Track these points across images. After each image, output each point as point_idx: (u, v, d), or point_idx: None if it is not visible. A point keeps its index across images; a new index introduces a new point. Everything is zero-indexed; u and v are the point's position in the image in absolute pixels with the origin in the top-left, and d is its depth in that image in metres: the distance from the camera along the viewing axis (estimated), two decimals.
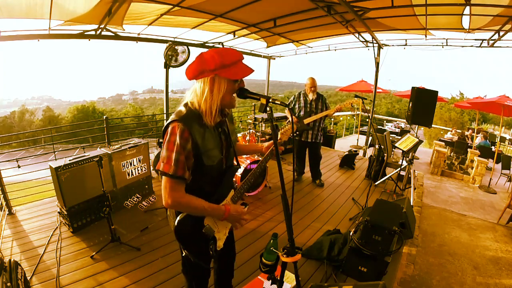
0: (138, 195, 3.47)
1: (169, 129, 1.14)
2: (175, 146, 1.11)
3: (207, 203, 1.20)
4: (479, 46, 4.81)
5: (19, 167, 3.30)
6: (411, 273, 2.55)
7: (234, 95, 1.20)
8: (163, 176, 1.14)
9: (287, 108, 1.21)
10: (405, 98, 15.66)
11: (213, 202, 1.24)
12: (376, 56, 5.68)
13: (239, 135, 4.25)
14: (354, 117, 11.94)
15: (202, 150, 1.18)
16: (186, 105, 1.20)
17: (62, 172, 2.65)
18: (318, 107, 3.94)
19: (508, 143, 9.80)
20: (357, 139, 8.66)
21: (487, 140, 8.36)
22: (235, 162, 1.44)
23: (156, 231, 2.87)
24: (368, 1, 3.42)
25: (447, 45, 5.10)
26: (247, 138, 4.06)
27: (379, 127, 10.69)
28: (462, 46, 5.02)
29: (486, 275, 2.86)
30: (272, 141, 1.44)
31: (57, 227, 2.85)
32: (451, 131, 9.66)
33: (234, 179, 1.38)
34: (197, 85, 1.17)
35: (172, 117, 1.17)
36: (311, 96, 3.94)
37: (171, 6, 3.37)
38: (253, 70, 1.17)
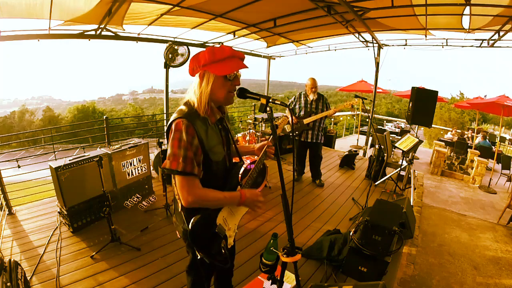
0: (138, 195, 3.47)
1: (173, 126, 1.15)
2: (182, 142, 1.12)
3: (224, 193, 1.22)
4: (479, 46, 4.81)
5: (19, 167, 3.30)
6: (411, 273, 2.55)
7: (231, 92, 1.21)
8: (176, 176, 1.15)
9: (287, 108, 1.21)
10: (405, 98, 15.66)
11: None
12: (376, 56, 5.68)
13: (239, 135, 4.24)
14: (354, 117, 11.94)
15: (207, 147, 1.20)
16: (186, 103, 1.22)
17: (62, 172, 2.65)
18: (318, 107, 3.94)
19: (508, 143, 9.80)
20: (357, 139, 8.66)
21: (487, 140, 8.37)
22: (237, 159, 1.44)
23: (156, 231, 2.87)
24: (368, 1, 3.42)
25: (447, 45, 5.10)
26: (247, 138, 4.06)
27: (379, 127, 10.69)
28: (462, 46, 5.02)
29: (486, 275, 2.86)
30: (263, 143, 1.46)
31: (57, 227, 2.85)
32: (451, 131, 9.66)
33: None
34: (193, 81, 1.24)
35: (174, 115, 1.19)
36: (311, 97, 3.94)
37: (171, 6, 3.36)
38: (244, 66, 1.18)
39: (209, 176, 1.25)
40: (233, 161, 1.42)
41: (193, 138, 1.14)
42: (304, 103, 3.97)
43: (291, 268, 1.20)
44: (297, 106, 4.02)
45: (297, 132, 4.01)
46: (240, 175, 1.37)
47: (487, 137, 8.71)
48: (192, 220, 1.20)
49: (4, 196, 3.04)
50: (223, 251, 1.28)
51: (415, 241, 3.07)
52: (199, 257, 1.23)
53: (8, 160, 3.59)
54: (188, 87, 1.26)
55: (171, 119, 1.18)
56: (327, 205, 3.69)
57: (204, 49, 1.18)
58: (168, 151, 1.15)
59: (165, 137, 1.22)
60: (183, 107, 1.21)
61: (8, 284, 1.67)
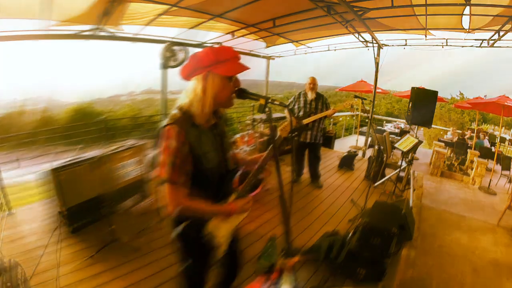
0: (136, 196, 3.46)
1: (164, 132, 1.12)
2: (170, 149, 1.09)
3: (211, 206, 1.20)
4: (479, 46, 4.81)
5: (19, 167, 3.30)
6: (410, 275, 2.54)
7: (233, 94, 1.18)
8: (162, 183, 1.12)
9: (286, 109, 1.20)
10: (405, 98, 15.62)
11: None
12: (376, 56, 5.67)
13: (238, 135, 4.22)
14: (354, 118, 11.93)
15: (199, 153, 1.16)
16: (179, 107, 1.18)
17: (61, 173, 2.65)
18: (318, 107, 3.91)
19: (508, 144, 9.78)
20: (357, 140, 8.64)
21: (484, 139, 8.39)
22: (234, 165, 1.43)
23: (155, 232, 2.87)
24: (368, 1, 3.42)
25: (447, 45, 5.09)
26: (246, 139, 4.05)
27: (378, 127, 10.68)
28: (462, 46, 5.02)
29: (485, 277, 2.85)
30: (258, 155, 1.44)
31: (56, 227, 2.84)
32: (451, 131, 9.64)
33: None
34: (190, 84, 1.16)
35: (166, 120, 1.15)
36: (310, 96, 3.90)
37: (169, 6, 3.36)
38: (248, 68, 1.15)
39: (203, 182, 1.23)
40: (230, 167, 1.39)
41: (183, 145, 1.11)
42: (304, 103, 3.94)
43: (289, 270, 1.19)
44: (296, 107, 3.99)
45: (296, 133, 3.99)
46: (238, 177, 1.36)
47: (487, 137, 8.73)
48: (181, 226, 1.19)
49: (4, 196, 3.03)
50: (214, 258, 1.27)
51: (415, 242, 3.05)
52: (186, 263, 1.22)
53: (8, 161, 3.58)
54: (185, 88, 1.21)
55: (163, 124, 1.15)
56: (326, 206, 3.68)
57: (200, 49, 1.15)
58: (158, 158, 1.13)
59: (157, 142, 1.17)
60: (176, 112, 1.17)
61: (8, 284, 1.67)
